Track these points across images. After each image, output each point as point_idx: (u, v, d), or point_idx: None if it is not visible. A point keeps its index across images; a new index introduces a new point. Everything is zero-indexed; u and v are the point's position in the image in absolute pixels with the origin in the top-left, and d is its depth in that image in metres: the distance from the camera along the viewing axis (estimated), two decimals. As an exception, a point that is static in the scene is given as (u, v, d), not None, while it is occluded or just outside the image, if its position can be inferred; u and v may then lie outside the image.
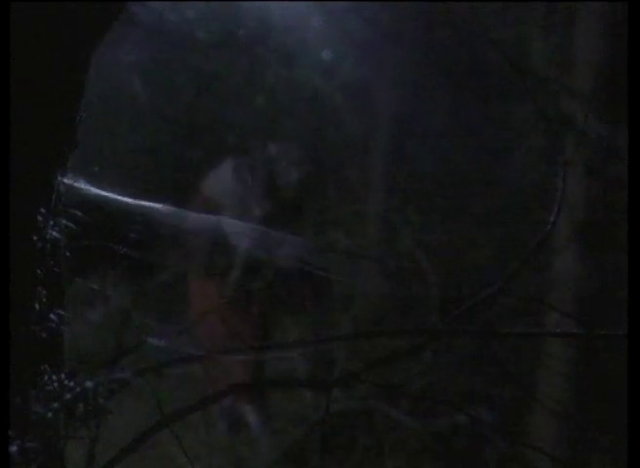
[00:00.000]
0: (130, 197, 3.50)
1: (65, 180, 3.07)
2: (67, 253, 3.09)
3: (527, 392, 5.88)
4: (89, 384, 3.15)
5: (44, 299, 2.93)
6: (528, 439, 6.43)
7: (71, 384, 3.05)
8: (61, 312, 3.01)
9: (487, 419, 5.56)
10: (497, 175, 9.07)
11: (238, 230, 3.95)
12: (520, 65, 5.50)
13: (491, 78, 8.04)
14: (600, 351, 6.99)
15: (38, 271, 2.91)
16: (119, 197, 3.44)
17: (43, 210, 2.91)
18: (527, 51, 8.17)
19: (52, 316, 2.96)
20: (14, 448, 2.76)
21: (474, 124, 8.88)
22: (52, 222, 2.95)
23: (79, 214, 3.15)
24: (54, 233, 2.97)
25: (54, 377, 2.97)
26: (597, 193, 7.52)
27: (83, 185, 3.23)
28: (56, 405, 2.95)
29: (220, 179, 8.14)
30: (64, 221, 3.04)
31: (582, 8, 7.59)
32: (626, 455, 3.02)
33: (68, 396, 3.03)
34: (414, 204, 9.31)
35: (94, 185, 3.30)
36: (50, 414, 2.92)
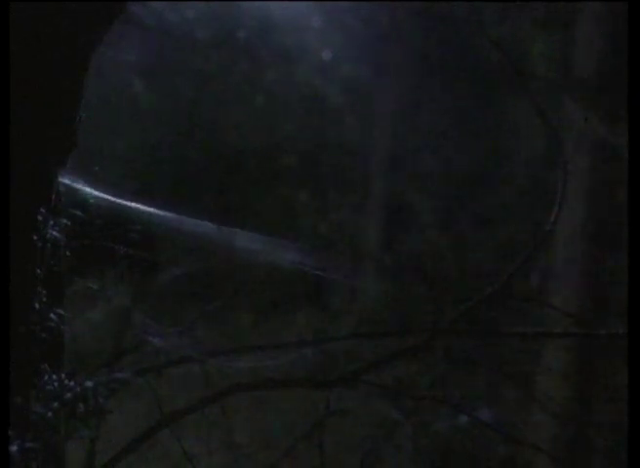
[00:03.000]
0: (130, 197, 3.50)
1: (65, 180, 3.07)
2: (67, 253, 3.09)
3: (527, 392, 5.89)
4: (89, 384, 3.15)
5: (44, 299, 2.93)
6: (527, 439, 6.43)
7: (71, 384, 3.05)
8: (61, 312, 3.01)
9: (487, 419, 5.57)
10: (497, 175, 9.07)
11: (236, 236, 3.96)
12: (520, 65, 5.51)
13: (491, 78, 8.04)
14: (600, 351, 7.00)
15: (38, 271, 2.91)
16: (119, 198, 3.45)
17: (43, 210, 2.91)
18: (527, 51, 8.17)
19: (52, 316, 2.96)
20: (14, 448, 2.76)
21: (474, 124, 8.89)
22: (52, 222, 2.95)
23: (79, 213, 3.15)
24: (54, 233, 2.97)
25: (54, 377, 2.97)
26: (597, 193, 7.52)
27: (83, 185, 3.23)
28: (56, 405, 2.95)
29: None
30: (64, 221, 3.04)
31: (582, 8, 7.59)
32: (626, 455, 3.03)
33: (68, 396, 3.03)
34: (414, 204, 9.31)
35: (94, 185, 3.30)
36: (50, 414, 2.92)
